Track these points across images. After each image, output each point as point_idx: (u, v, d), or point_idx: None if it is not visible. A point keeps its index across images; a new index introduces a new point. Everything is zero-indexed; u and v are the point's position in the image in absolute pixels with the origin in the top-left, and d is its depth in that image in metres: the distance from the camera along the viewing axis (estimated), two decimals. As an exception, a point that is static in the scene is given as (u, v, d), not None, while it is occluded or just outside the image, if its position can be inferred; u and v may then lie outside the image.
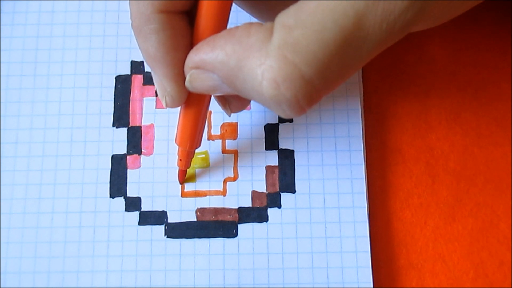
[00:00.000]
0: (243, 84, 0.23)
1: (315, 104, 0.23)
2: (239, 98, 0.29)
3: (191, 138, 0.29)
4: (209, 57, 0.24)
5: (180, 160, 0.31)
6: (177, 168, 0.32)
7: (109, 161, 0.32)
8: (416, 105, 0.33)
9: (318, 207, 0.31)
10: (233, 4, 0.32)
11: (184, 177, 0.32)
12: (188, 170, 0.32)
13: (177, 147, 0.30)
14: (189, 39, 0.26)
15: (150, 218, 0.31)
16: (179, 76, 0.26)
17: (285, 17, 0.22)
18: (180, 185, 0.32)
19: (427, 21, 0.24)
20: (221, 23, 0.26)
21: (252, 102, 0.33)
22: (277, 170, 0.32)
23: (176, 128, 0.29)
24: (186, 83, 0.26)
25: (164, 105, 0.27)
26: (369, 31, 0.22)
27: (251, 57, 0.22)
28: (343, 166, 0.32)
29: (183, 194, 0.32)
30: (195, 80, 0.25)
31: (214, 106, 0.33)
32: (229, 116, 0.31)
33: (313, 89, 0.22)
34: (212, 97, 0.29)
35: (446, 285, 0.31)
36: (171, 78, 0.26)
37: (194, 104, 0.28)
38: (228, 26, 0.25)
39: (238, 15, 0.34)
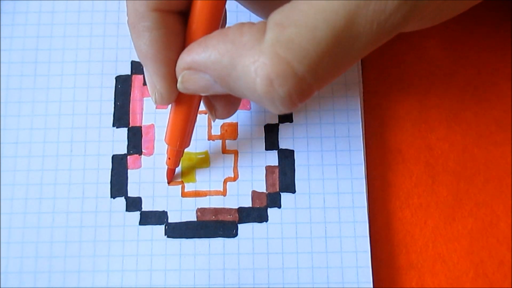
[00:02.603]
0: (236, 82, 0.23)
1: (307, 99, 0.24)
2: (225, 106, 0.29)
3: (181, 137, 0.29)
4: (202, 57, 0.24)
5: (169, 159, 0.31)
6: (166, 167, 0.32)
7: (110, 161, 0.32)
8: (416, 105, 0.33)
9: (318, 207, 0.31)
10: (236, 4, 0.32)
11: (173, 176, 0.32)
12: (188, 170, 0.32)
13: (167, 146, 0.30)
14: (182, 39, 0.26)
15: (150, 218, 0.31)
16: (170, 75, 0.26)
17: (278, 16, 0.23)
18: (180, 186, 0.32)
19: (419, 21, 0.25)
20: (213, 24, 0.26)
21: (252, 102, 0.33)
22: (277, 170, 0.32)
23: (166, 127, 0.30)
24: (178, 84, 0.26)
25: (153, 102, 0.28)
26: (360, 31, 0.22)
27: (244, 55, 0.23)
28: (343, 166, 0.32)
29: (183, 194, 0.32)
30: (187, 81, 0.26)
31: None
32: (213, 121, 0.31)
33: (305, 85, 0.23)
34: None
35: (446, 285, 0.31)
36: (161, 76, 0.27)
37: (184, 103, 0.28)
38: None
39: (239, 15, 0.34)
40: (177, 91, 0.27)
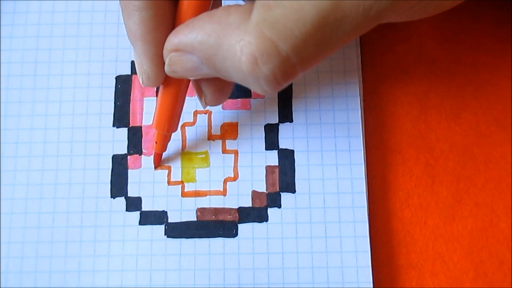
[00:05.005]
0: (223, 62, 0.24)
1: (291, 80, 0.24)
2: (215, 91, 0.29)
3: (168, 122, 0.30)
4: (189, 38, 0.25)
5: (156, 143, 0.31)
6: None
7: (110, 161, 0.32)
8: (416, 105, 0.33)
9: (318, 207, 0.31)
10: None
11: (160, 161, 0.32)
12: (188, 170, 0.32)
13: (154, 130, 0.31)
14: (171, 22, 0.27)
15: (150, 218, 0.31)
16: (157, 56, 0.27)
17: None
18: (180, 186, 0.32)
19: (407, 11, 0.25)
20: (202, 8, 0.26)
21: (252, 102, 0.33)
22: (277, 170, 0.32)
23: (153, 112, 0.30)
24: (165, 67, 0.27)
25: (140, 82, 0.28)
26: (346, 14, 0.23)
27: (230, 34, 0.23)
28: (343, 166, 0.32)
29: (183, 194, 0.32)
30: (174, 63, 0.26)
31: (214, 106, 0.33)
32: (204, 108, 0.31)
33: (289, 65, 0.23)
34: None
35: (446, 285, 0.31)
36: (149, 57, 0.27)
37: (172, 87, 0.29)
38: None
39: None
40: (164, 73, 0.27)
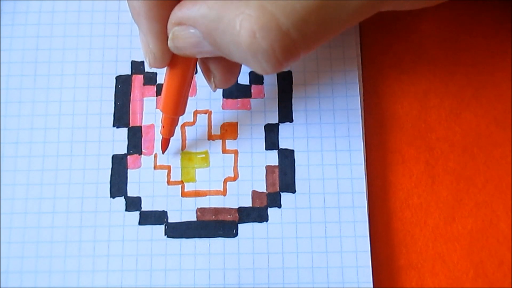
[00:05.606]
0: (223, 36, 0.24)
1: (292, 59, 0.24)
2: (223, 72, 0.29)
3: (175, 104, 0.30)
4: (192, 11, 0.25)
5: (163, 127, 0.31)
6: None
7: (110, 161, 0.32)
8: (416, 105, 0.33)
9: (318, 207, 0.31)
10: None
11: (167, 146, 0.32)
12: (188, 170, 0.32)
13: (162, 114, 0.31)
14: None
15: (150, 218, 0.31)
16: (162, 34, 0.27)
17: None
18: (180, 185, 0.32)
19: None
20: None
21: (252, 102, 0.33)
22: (277, 170, 0.32)
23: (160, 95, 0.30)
24: (168, 42, 0.27)
25: (147, 64, 0.28)
26: None
27: (231, 8, 0.23)
28: (343, 166, 0.32)
29: (183, 194, 0.32)
30: (177, 37, 0.26)
31: (214, 106, 0.33)
32: (214, 91, 0.31)
33: (290, 42, 0.23)
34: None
35: (446, 285, 0.31)
36: (154, 35, 0.27)
37: (179, 68, 0.28)
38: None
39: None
40: (170, 52, 0.27)
